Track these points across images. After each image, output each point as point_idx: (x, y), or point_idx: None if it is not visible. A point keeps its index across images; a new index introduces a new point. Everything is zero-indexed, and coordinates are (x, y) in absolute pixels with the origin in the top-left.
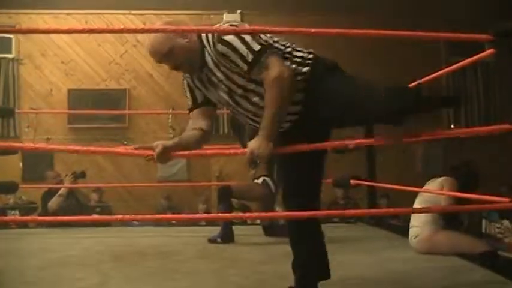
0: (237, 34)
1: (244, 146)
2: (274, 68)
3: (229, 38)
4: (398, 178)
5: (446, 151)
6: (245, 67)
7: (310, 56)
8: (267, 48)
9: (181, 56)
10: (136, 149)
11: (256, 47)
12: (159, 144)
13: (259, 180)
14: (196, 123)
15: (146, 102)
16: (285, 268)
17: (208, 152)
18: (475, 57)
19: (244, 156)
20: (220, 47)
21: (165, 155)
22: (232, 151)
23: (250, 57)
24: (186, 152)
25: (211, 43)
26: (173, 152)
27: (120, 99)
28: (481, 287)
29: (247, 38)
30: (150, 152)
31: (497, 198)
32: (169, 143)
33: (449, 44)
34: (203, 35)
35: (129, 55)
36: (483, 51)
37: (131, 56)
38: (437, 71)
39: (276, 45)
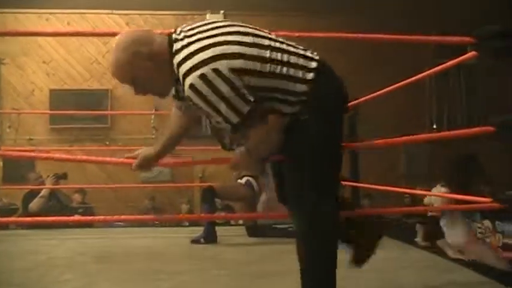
0: (213, 86)
1: (225, 147)
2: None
3: (203, 90)
4: (381, 178)
5: (431, 151)
6: (223, 123)
7: (313, 67)
8: (253, 110)
9: (146, 83)
10: (126, 157)
11: (240, 111)
12: (139, 154)
13: (243, 181)
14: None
15: (129, 102)
16: (268, 268)
17: (192, 161)
18: (456, 60)
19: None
20: (190, 93)
21: (147, 165)
22: (215, 160)
23: (231, 122)
24: (171, 161)
25: (180, 76)
26: (155, 161)
27: (102, 99)
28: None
29: (228, 93)
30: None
31: (479, 199)
32: (151, 152)
33: (437, 45)
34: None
35: (111, 55)
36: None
37: None
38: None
39: (268, 68)
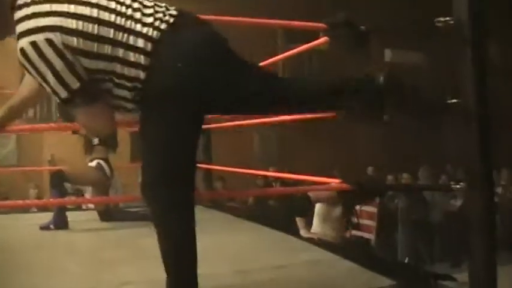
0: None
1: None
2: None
3: (33, 57)
4: (234, 161)
5: (280, 136)
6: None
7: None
8: (85, 88)
9: None
10: None
11: (70, 86)
12: None
13: (93, 164)
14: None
15: None
16: (122, 253)
17: (40, 127)
18: (308, 45)
19: (79, 140)
20: (21, 57)
21: None
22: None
23: (59, 96)
24: (15, 127)
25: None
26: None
27: None
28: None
29: (59, 66)
30: None
31: (330, 180)
32: None
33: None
34: None
35: None
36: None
37: None
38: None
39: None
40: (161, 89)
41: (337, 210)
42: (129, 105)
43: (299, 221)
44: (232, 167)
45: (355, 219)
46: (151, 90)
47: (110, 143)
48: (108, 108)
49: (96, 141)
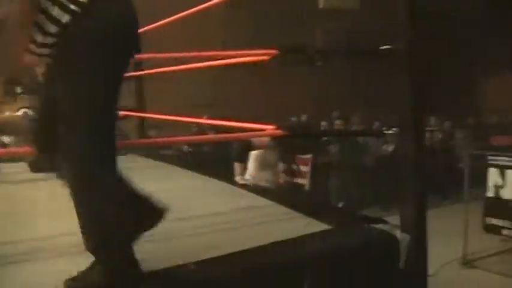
0: None
1: None
2: None
3: None
4: (168, 108)
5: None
6: None
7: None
8: None
9: None
10: None
11: None
12: None
13: (20, 113)
14: None
15: None
16: (57, 205)
17: None
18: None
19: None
20: None
21: None
22: None
23: None
24: None
25: None
26: None
27: None
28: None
29: None
30: None
31: (264, 126)
32: None
33: None
34: None
35: None
36: None
37: None
38: None
39: None
40: (90, 28)
41: (273, 157)
42: (50, 41)
43: (237, 167)
44: (166, 114)
45: (294, 166)
46: (78, 30)
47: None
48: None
49: (19, 89)
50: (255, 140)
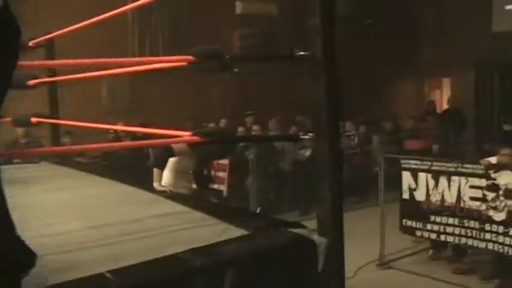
0: None
1: None
2: None
3: None
4: (82, 114)
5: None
6: None
7: None
8: None
9: None
10: None
11: None
12: None
13: None
14: None
15: None
16: None
17: None
18: (168, 65)
19: None
20: None
21: None
22: None
23: None
24: None
25: None
26: None
27: None
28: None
29: None
30: None
31: (179, 133)
32: None
33: None
34: None
35: None
36: None
37: None
38: None
39: None
40: None
41: (189, 163)
42: None
43: (156, 173)
44: (81, 121)
45: (212, 173)
46: None
47: None
48: None
49: None
50: (175, 147)
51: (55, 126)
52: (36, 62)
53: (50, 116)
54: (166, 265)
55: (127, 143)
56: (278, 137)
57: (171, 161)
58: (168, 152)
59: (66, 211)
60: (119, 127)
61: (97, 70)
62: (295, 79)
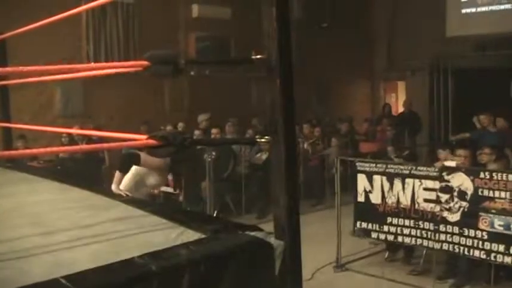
0: None
1: None
2: None
3: None
4: (35, 118)
5: (85, 90)
6: None
7: None
8: None
9: None
10: None
11: None
12: None
13: None
14: None
15: None
16: None
17: None
18: (124, 70)
19: None
20: None
21: None
22: None
23: None
24: None
25: None
26: None
27: None
28: None
29: None
30: None
31: (135, 136)
32: None
33: None
34: None
35: None
36: None
37: None
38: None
39: None
40: None
41: (157, 179)
42: None
43: (116, 176)
44: (34, 124)
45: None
46: None
47: None
48: None
49: None
50: (146, 158)
51: (7, 130)
52: None
53: (2, 120)
54: (122, 270)
55: (82, 146)
56: (236, 141)
57: (136, 168)
58: (134, 158)
59: (17, 216)
60: (74, 130)
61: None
62: (250, 82)
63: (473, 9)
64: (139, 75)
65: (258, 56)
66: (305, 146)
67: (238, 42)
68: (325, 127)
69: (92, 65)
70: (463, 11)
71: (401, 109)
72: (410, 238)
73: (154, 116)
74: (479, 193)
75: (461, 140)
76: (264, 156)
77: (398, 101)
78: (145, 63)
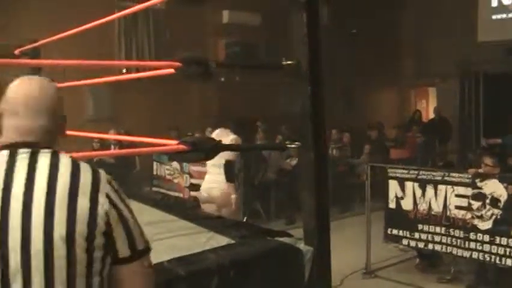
0: None
1: None
2: None
3: None
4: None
5: (114, 95)
6: None
7: None
8: None
9: None
10: None
11: None
12: None
13: None
14: None
15: None
16: None
17: None
18: (155, 72)
19: None
20: None
21: None
22: None
23: None
24: None
25: None
26: None
27: None
28: None
29: None
30: None
31: (166, 141)
32: None
33: None
34: None
35: None
36: None
37: None
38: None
39: None
40: None
41: None
42: None
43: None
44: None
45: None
46: None
47: None
48: None
49: None
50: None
51: None
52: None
53: None
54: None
55: (114, 151)
56: (265, 146)
57: None
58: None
59: None
60: (106, 135)
61: (83, 77)
62: (278, 88)
63: (504, 15)
64: (167, 80)
65: (289, 62)
66: (333, 152)
67: (267, 49)
68: (354, 133)
69: (124, 62)
70: (494, 16)
71: (431, 115)
72: (440, 245)
73: (183, 121)
74: None
75: (490, 147)
76: (294, 161)
77: (428, 107)
78: (177, 64)
